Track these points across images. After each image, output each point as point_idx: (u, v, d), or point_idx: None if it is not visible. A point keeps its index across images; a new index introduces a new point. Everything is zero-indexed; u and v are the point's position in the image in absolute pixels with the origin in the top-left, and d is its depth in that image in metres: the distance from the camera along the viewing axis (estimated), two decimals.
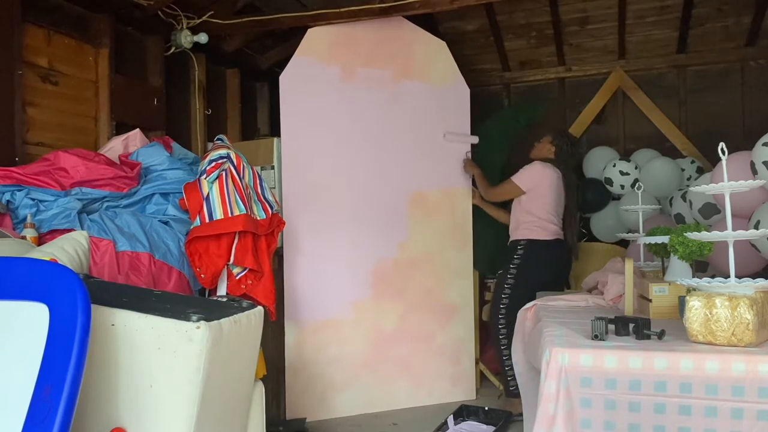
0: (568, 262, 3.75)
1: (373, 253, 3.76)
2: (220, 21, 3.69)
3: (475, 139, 4.07)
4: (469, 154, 4.03)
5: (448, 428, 3.21)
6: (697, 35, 4.81)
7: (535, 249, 3.62)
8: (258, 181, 2.90)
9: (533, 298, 3.55)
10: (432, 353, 3.87)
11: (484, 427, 3.24)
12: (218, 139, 3.03)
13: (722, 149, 1.89)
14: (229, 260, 2.64)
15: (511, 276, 3.62)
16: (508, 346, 3.48)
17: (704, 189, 1.97)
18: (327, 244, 3.65)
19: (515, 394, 3.38)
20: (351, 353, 3.69)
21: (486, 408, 3.48)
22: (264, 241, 2.79)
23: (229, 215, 2.62)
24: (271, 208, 2.89)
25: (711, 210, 3.40)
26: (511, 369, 3.44)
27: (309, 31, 3.66)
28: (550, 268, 3.62)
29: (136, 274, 2.40)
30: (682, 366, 1.63)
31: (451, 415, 3.29)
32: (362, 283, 3.74)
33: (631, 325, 1.90)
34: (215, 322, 1.62)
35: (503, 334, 3.57)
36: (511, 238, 3.74)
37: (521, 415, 3.08)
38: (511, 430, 3.33)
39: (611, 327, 1.93)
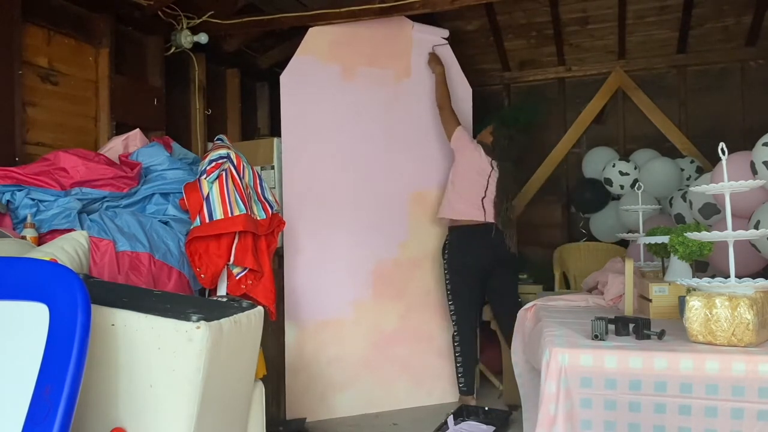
0: (502, 244, 3.66)
1: (374, 253, 3.76)
2: (220, 21, 3.69)
3: (446, 33, 4.03)
4: (436, 49, 3.98)
5: (448, 428, 3.21)
6: (697, 35, 4.82)
7: (456, 238, 3.70)
8: (258, 181, 2.90)
9: (473, 286, 3.69)
10: (432, 353, 3.86)
11: (484, 427, 3.24)
12: (218, 139, 3.03)
13: (722, 149, 1.89)
14: (229, 260, 2.64)
15: (446, 271, 3.75)
16: (460, 342, 3.66)
17: (704, 189, 1.97)
18: (327, 244, 3.65)
19: (464, 392, 3.65)
20: (351, 353, 3.69)
21: (486, 408, 3.48)
22: (264, 241, 2.78)
23: (229, 215, 2.62)
24: (271, 208, 2.89)
25: (711, 210, 3.40)
26: (461, 366, 3.64)
27: (310, 30, 3.66)
28: (477, 250, 3.64)
29: (136, 274, 2.40)
30: (682, 366, 1.63)
31: (451, 415, 3.29)
32: (362, 283, 3.74)
33: (631, 325, 1.90)
34: (215, 322, 1.62)
35: (455, 330, 3.70)
36: (438, 215, 3.82)
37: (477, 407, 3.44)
38: (510, 430, 3.33)
39: (611, 327, 1.93)
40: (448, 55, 4.01)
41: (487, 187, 3.68)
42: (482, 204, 3.66)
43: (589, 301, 2.65)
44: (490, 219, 3.64)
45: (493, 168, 3.71)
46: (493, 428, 3.24)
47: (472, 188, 3.68)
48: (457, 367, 3.68)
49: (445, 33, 4.05)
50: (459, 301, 3.67)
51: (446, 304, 3.77)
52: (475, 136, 4.07)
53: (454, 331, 3.69)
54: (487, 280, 3.68)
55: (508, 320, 3.70)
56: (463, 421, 3.30)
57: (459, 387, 3.67)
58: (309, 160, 3.63)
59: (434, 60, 3.93)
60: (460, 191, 3.69)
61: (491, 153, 3.73)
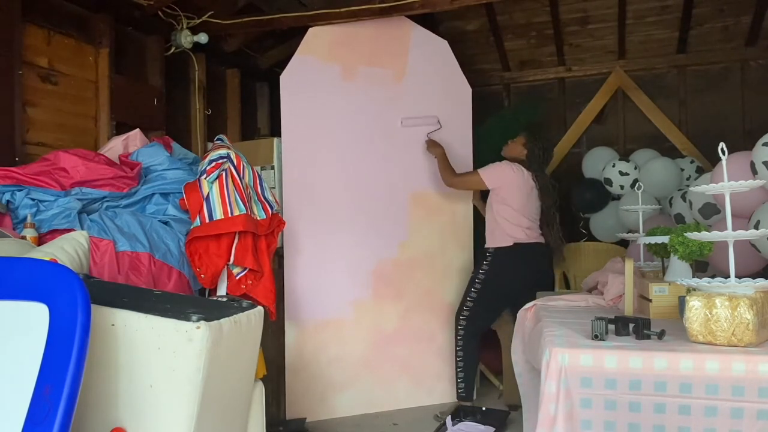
0: (547, 264, 3.64)
1: (374, 253, 3.76)
2: (220, 21, 3.69)
3: (434, 120, 3.87)
4: (432, 135, 3.86)
5: (446, 429, 3.21)
6: (697, 35, 4.82)
7: (503, 255, 3.54)
8: (258, 181, 2.90)
9: (501, 304, 3.61)
10: (432, 353, 3.86)
11: (482, 427, 3.24)
12: (218, 139, 3.03)
13: (722, 149, 1.89)
14: (229, 260, 2.64)
15: (479, 281, 3.58)
16: (463, 347, 3.58)
17: (704, 189, 1.97)
18: (327, 244, 3.65)
19: (462, 398, 3.59)
20: (351, 353, 3.68)
21: (483, 408, 3.48)
22: (264, 241, 2.78)
23: (229, 215, 2.62)
24: (271, 208, 2.89)
25: (711, 210, 3.40)
26: (462, 371, 3.57)
27: (310, 30, 3.66)
28: (522, 272, 3.52)
29: (136, 274, 2.40)
30: (682, 366, 1.63)
31: (449, 416, 3.29)
32: (362, 283, 3.74)
33: (631, 325, 1.90)
34: (215, 322, 1.62)
35: (460, 336, 3.61)
36: (486, 244, 3.66)
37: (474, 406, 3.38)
38: (509, 430, 3.33)
39: (611, 327, 1.93)
40: (448, 55, 4.01)
41: (539, 206, 3.57)
42: (539, 223, 3.57)
43: (589, 301, 2.65)
44: (539, 238, 3.56)
45: (535, 182, 3.57)
46: (491, 428, 3.24)
47: (530, 210, 3.54)
48: (457, 372, 3.63)
49: (433, 121, 3.86)
50: (478, 310, 3.57)
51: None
52: (476, 138, 4.06)
53: (459, 336, 3.62)
54: (520, 297, 3.49)
55: None
56: (459, 421, 3.30)
57: (458, 392, 3.63)
58: (309, 160, 3.63)
59: (432, 144, 3.79)
60: (512, 219, 3.53)
61: (530, 168, 3.57)
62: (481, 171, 3.60)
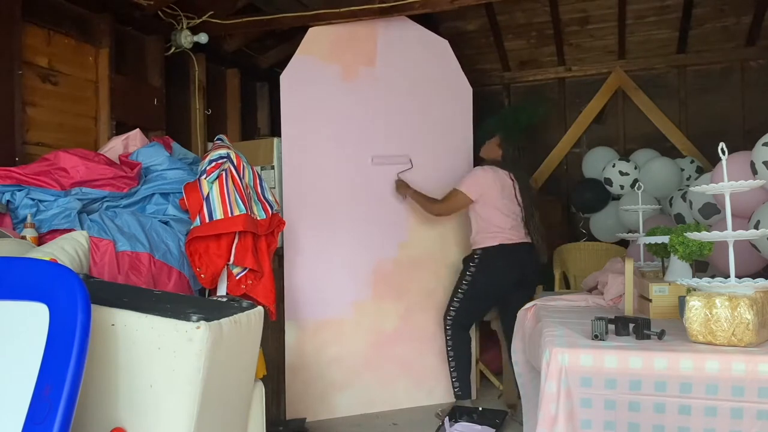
0: (532, 264, 3.59)
1: (374, 252, 3.76)
2: (220, 21, 3.69)
3: (405, 160, 3.82)
4: (401, 175, 3.79)
5: (444, 430, 3.20)
6: (697, 35, 4.82)
7: (490, 256, 3.52)
8: (258, 181, 2.90)
9: (487, 303, 3.62)
10: (432, 353, 3.86)
11: (478, 427, 3.24)
12: (218, 139, 3.03)
13: (722, 149, 1.89)
14: (229, 260, 2.64)
15: (466, 283, 3.57)
16: (453, 347, 3.59)
17: (704, 189, 1.97)
18: (327, 244, 3.65)
19: (459, 396, 3.59)
20: (351, 353, 3.68)
21: (480, 408, 3.48)
22: (264, 241, 2.78)
23: (229, 215, 2.62)
24: (271, 208, 2.88)
25: (711, 210, 3.40)
26: (455, 370, 3.58)
27: (310, 30, 3.66)
28: (509, 272, 3.51)
29: (136, 274, 2.40)
30: (682, 366, 1.63)
31: (447, 417, 3.29)
32: (362, 283, 3.74)
33: (631, 325, 1.90)
34: (215, 322, 1.62)
35: (449, 335, 3.62)
36: (472, 246, 3.64)
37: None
38: (507, 430, 3.33)
39: (611, 327, 1.93)
40: (448, 54, 4.01)
41: (518, 203, 3.55)
42: (521, 222, 3.55)
43: (589, 301, 2.65)
44: (525, 238, 3.55)
45: (513, 181, 3.57)
46: (488, 428, 3.24)
47: (511, 209, 3.54)
48: (450, 372, 3.61)
49: (404, 161, 3.80)
50: (465, 309, 3.59)
51: (445, 305, 3.74)
52: (476, 139, 4.05)
53: (447, 336, 3.63)
54: (506, 296, 3.56)
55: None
56: (456, 422, 3.30)
57: (454, 392, 3.61)
58: (309, 160, 3.63)
59: (401, 186, 3.74)
60: (494, 220, 3.52)
61: (505, 167, 3.57)
62: (460, 187, 3.55)
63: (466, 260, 3.68)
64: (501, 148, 3.64)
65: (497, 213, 3.51)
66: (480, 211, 3.57)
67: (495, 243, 3.51)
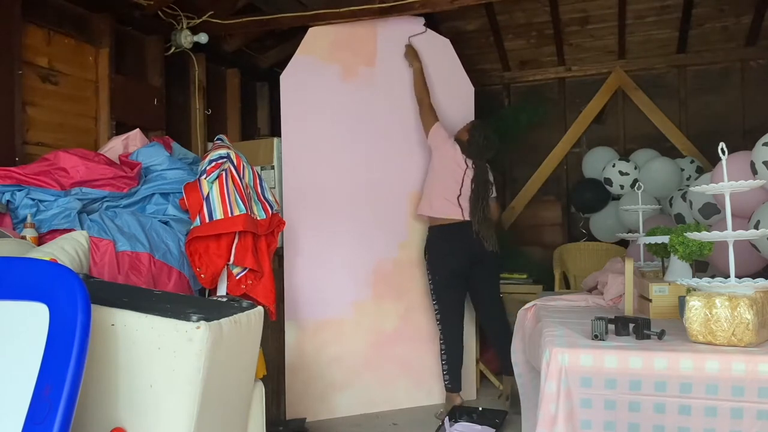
0: (477, 245, 3.61)
1: (374, 252, 3.76)
2: (220, 21, 3.69)
3: (421, 20, 3.87)
4: (414, 38, 3.86)
5: (444, 430, 3.20)
6: (697, 35, 4.82)
7: (432, 241, 3.68)
8: (258, 181, 2.90)
9: (452, 292, 3.66)
10: (432, 353, 3.86)
11: (478, 427, 3.24)
12: (218, 139, 3.03)
13: (722, 149, 1.89)
14: (229, 260, 2.64)
15: (429, 273, 3.72)
16: (445, 341, 3.65)
17: (704, 189, 1.97)
18: (327, 244, 3.65)
19: (449, 389, 3.65)
20: (351, 353, 3.68)
21: (480, 408, 3.48)
22: (264, 241, 2.78)
23: (229, 215, 2.62)
24: (271, 208, 2.89)
25: (711, 210, 3.40)
26: (446, 363, 3.63)
27: (310, 30, 3.66)
28: (452, 253, 3.61)
29: (136, 274, 2.40)
30: (682, 366, 1.63)
31: (447, 417, 3.29)
32: (362, 283, 3.74)
33: (631, 325, 1.90)
34: (215, 322, 1.62)
35: (440, 329, 3.69)
36: (417, 212, 3.78)
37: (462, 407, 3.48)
38: (507, 430, 3.33)
39: (611, 327, 1.93)
40: (450, 54, 4.01)
41: (462, 184, 3.64)
42: (458, 202, 3.62)
43: (589, 301, 2.65)
44: (467, 217, 3.61)
45: (468, 166, 3.66)
46: (487, 428, 3.23)
47: (448, 185, 3.63)
48: (442, 364, 3.67)
49: (420, 21, 3.88)
50: (442, 302, 3.66)
51: (431, 306, 3.75)
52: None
53: (440, 335, 3.68)
54: (468, 280, 3.66)
55: (488, 318, 3.74)
56: (456, 422, 3.30)
57: (444, 384, 3.67)
58: (309, 160, 3.63)
59: (411, 54, 3.82)
60: (437, 188, 3.66)
61: (466, 151, 3.67)
62: (437, 124, 3.68)
63: (424, 251, 3.78)
64: (469, 133, 3.72)
65: (443, 181, 3.64)
66: (430, 174, 3.71)
67: (437, 219, 3.65)
